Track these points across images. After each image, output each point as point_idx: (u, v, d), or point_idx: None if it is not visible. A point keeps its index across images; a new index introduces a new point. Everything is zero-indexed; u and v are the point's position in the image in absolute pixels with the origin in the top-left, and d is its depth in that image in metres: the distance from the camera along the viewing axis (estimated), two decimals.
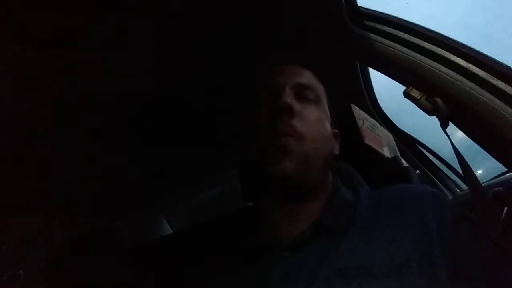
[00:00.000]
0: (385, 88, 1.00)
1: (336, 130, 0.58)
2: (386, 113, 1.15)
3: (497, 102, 0.50)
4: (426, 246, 0.40)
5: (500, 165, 0.55)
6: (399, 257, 0.39)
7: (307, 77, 0.54)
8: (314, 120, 0.49)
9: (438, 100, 0.55)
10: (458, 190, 1.37)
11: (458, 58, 0.56)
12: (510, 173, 0.98)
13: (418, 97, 0.58)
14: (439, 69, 0.57)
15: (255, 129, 0.50)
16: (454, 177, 1.37)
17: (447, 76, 0.56)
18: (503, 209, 0.43)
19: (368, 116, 0.85)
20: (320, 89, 0.55)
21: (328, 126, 0.53)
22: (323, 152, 0.49)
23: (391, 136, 0.94)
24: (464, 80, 0.54)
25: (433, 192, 0.48)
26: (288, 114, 0.47)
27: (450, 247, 0.40)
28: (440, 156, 1.32)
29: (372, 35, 0.66)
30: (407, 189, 0.52)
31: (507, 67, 0.52)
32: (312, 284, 0.40)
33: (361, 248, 0.42)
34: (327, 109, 0.55)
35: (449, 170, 1.35)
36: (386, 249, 0.41)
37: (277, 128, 0.47)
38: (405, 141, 1.24)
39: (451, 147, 0.53)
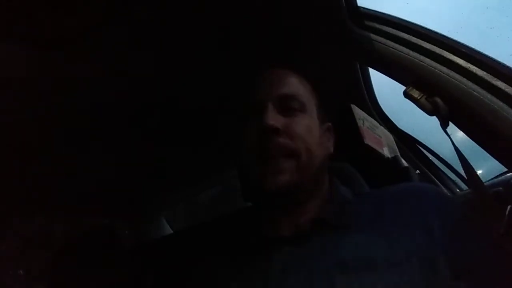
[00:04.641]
0: (385, 88, 1.00)
1: (329, 124, 0.57)
2: (386, 113, 1.15)
3: (497, 102, 0.50)
4: (428, 243, 0.40)
5: (500, 165, 0.55)
6: (400, 252, 0.40)
7: (290, 85, 0.53)
8: (302, 131, 0.49)
9: (438, 100, 0.55)
10: (458, 190, 1.37)
11: (458, 58, 0.56)
12: (510, 173, 0.98)
13: (418, 97, 0.58)
14: (439, 69, 0.57)
15: (245, 149, 0.50)
16: (454, 177, 1.37)
17: (447, 76, 0.56)
18: (505, 208, 0.43)
19: (368, 116, 0.85)
20: (305, 95, 0.53)
21: (317, 131, 0.52)
22: (315, 159, 0.49)
23: (391, 136, 0.94)
24: (464, 80, 0.54)
25: (436, 190, 0.48)
26: (274, 134, 0.47)
27: (451, 245, 0.40)
28: (440, 156, 1.32)
29: (372, 35, 0.66)
30: (409, 187, 0.52)
31: (507, 67, 0.52)
32: (312, 277, 0.41)
33: (362, 242, 0.42)
34: (315, 110, 0.54)
35: (449, 170, 1.35)
36: (387, 244, 0.41)
37: (266, 150, 0.47)
38: (405, 141, 1.24)
39: (451, 147, 0.53)
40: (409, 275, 0.38)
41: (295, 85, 0.53)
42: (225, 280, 0.48)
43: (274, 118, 0.47)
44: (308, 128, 0.50)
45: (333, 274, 0.40)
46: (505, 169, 0.95)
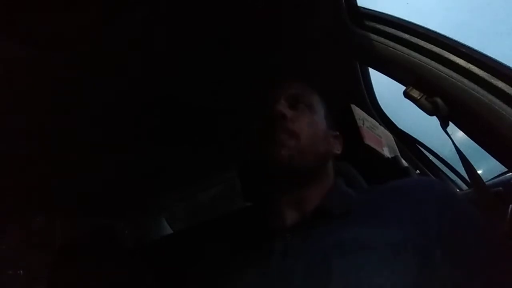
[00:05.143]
0: (385, 88, 1.00)
1: (337, 133, 0.61)
2: (386, 113, 1.15)
3: (497, 102, 0.50)
4: (426, 233, 0.41)
5: (500, 165, 0.55)
6: (397, 238, 0.41)
7: (299, 88, 0.60)
8: (307, 122, 0.55)
9: (438, 100, 0.55)
10: (458, 190, 1.37)
11: (458, 58, 0.56)
12: (510, 173, 0.98)
13: (418, 97, 0.58)
14: (439, 69, 0.57)
15: (258, 136, 0.56)
16: (454, 177, 1.37)
17: (447, 76, 0.56)
18: (507, 208, 0.43)
19: (368, 116, 0.85)
20: (312, 97, 0.60)
21: (321, 127, 0.57)
22: (317, 147, 0.54)
23: (391, 136, 0.94)
24: (464, 80, 0.54)
25: (441, 184, 0.49)
26: (282, 120, 0.54)
27: (450, 238, 0.40)
28: (440, 156, 1.32)
29: (372, 35, 0.66)
30: (412, 181, 0.55)
31: (507, 67, 0.52)
32: (310, 259, 0.43)
33: (360, 229, 0.44)
34: (322, 114, 0.59)
35: (449, 170, 1.35)
36: (385, 230, 0.42)
37: (276, 131, 0.53)
38: (405, 141, 1.24)
39: (451, 147, 0.53)
40: (404, 257, 0.39)
41: (304, 89, 0.60)
42: (227, 271, 0.50)
43: (284, 108, 0.55)
44: (313, 123, 0.56)
45: (330, 255, 0.42)
46: (505, 169, 0.96)
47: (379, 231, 0.42)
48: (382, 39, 0.65)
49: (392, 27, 0.65)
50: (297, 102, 0.57)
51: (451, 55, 0.57)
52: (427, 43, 0.60)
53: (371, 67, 0.88)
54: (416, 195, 0.46)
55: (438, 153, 1.31)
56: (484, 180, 1.09)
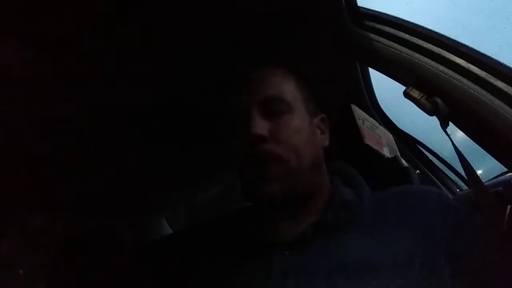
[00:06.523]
0: (385, 88, 1.00)
1: (322, 115, 0.57)
2: (386, 113, 1.15)
3: (497, 102, 0.50)
4: (430, 245, 0.40)
5: (500, 165, 0.55)
6: (402, 255, 0.40)
7: (273, 86, 0.52)
8: (288, 134, 0.49)
9: (438, 100, 0.55)
10: (458, 190, 1.37)
11: (458, 58, 0.56)
12: (510, 173, 0.98)
13: (418, 97, 0.58)
14: (439, 69, 0.57)
15: (238, 157, 0.51)
16: (454, 177, 1.37)
17: (447, 76, 0.56)
18: (507, 208, 0.43)
19: (368, 116, 0.85)
20: (290, 93, 0.52)
21: (306, 128, 0.51)
22: (307, 158, 0.49)
23: (391, 136, 0.94)
24: (464, 80, 0.54)
25: (438, 192, 0.49)
26: (261, 142, 0.47)
27: (453, 248, 0.40)
28: (440, 156, 1.32)
29: (372, 35, 0.66)
30: (411, 189, 0.53)
31: (507, 67, 0.52)
32: (313, 279, 0.41)
33: (363, 245, 0.42)
34: (303, 106, 0.53)
35: (449, 170, 1.35)
36: (389, 246, 0.41)
37: (254, 157, 0.47)
38: (405, 141, 1.24)
39: (451, 147, 0.53)
40: (412, 277, 0.38)
41: (279, 85, 0.53)
42: (225, 283, 0.49)
43: (259, 125, 0.47)
44: (296, 129, 0.49)
45: (335, 276, 0.40)
46: (505, 169, 0.96)
47: (383, 248, 0.41)
48: (382, 39, 0.65)
49: (392, 27, 0.65)
50: (274, 106, 0.50)
51: (451, 55, 0.57)
52: (427, 43, 0.60)
53: (371, 67, 0.88)
54: (418, 206, 0.45)
55: (438, 153, 1.31)
56: (484, 180, 1.09)
